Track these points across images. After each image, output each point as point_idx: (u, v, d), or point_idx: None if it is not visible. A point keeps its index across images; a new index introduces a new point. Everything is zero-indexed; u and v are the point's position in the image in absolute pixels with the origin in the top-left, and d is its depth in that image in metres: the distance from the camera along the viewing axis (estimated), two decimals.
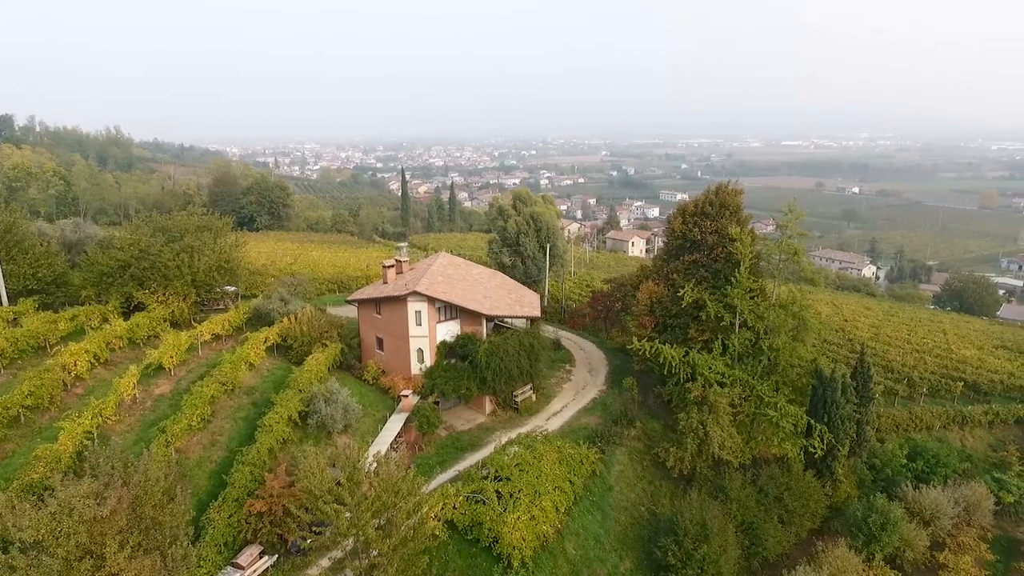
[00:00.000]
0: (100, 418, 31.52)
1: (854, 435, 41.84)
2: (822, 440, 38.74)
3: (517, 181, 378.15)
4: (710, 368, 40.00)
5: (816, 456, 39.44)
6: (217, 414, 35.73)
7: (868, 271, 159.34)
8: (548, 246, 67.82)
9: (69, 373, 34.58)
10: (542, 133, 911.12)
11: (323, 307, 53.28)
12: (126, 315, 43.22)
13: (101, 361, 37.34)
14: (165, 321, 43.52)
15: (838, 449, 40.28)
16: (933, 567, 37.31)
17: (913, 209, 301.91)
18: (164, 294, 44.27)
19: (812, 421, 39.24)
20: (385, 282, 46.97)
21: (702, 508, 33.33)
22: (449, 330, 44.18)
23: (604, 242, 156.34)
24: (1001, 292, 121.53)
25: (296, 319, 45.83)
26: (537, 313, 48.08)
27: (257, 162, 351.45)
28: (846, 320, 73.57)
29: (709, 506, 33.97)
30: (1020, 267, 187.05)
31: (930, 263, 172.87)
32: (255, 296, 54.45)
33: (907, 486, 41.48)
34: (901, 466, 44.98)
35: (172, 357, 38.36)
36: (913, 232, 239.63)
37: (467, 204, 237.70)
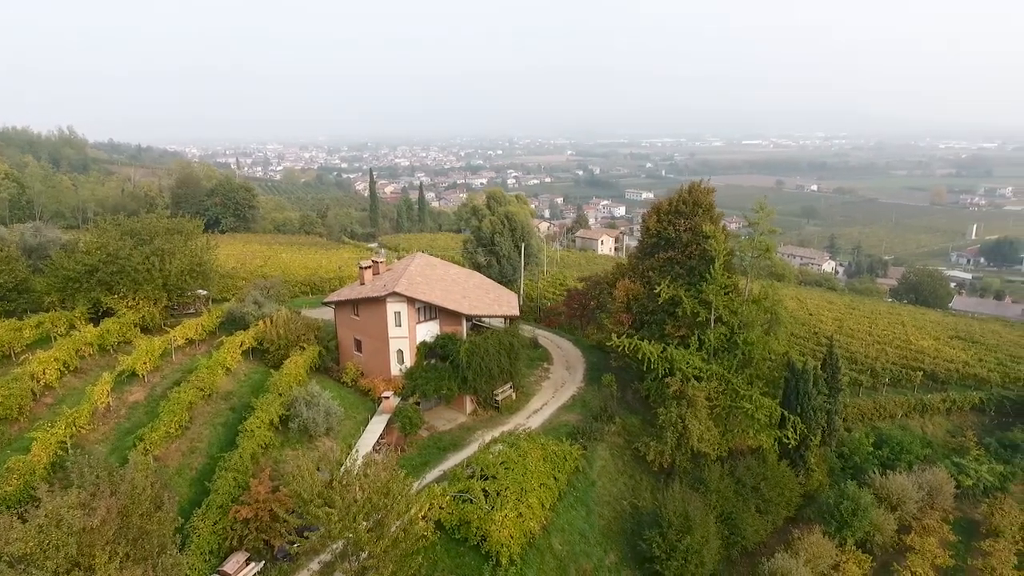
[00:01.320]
0: (74, 427, 30.60)
1: (825, 425, 43.30)
2: (795, 431, 39.99)
3: (484, 181, 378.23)
4: (688, 363, 40.88)
5: (790, 446, 40.70)
6: (195, 420, 35.03)
7: (828, 266, 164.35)
8: (523, 245, 68.20)
9: (38, 382, 33.45)
10: (507, 133, 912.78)
11: (298, 310, 52.59)
12: (94, 321, 41.95)
13: (71, 369, 36.22)
14: (136, 326, 42.39)
15: (811, 439, 41.63)
16: (901, 549, 38.88)
17: (868, 206, 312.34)
18: (134, 299, 43.09)
19: (785, 412, 40.47)
20: (362, 283, 46.64)
21: (684, 500, 34.11)
22: (428, 330, 44.13)
23: (574, 241, 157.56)
24: (952, 285, 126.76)
25: (272, 322, 45.17)
26: (516, 312, 48.38)
27: (218, 163, 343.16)
28: (810, 314, 75.86)
29: (691, 498, 34.79)
30: (968, 261, 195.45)
31: (886, 258, 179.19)
32: (226, 300, 53.41)
33: (874, 473, 43.13)
34: (868, 454, 46.74)
35: (146, 363, 37.44)
36: (869, 228, 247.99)
37: (435, 204, 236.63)
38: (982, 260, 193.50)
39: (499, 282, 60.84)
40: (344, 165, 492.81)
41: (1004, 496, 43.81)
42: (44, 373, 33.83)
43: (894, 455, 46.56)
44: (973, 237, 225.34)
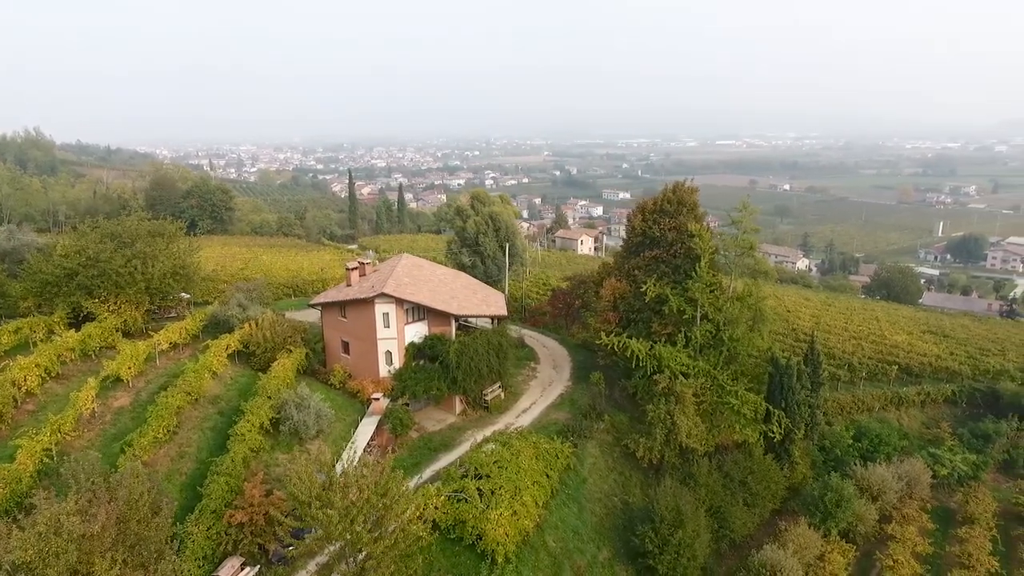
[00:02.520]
0: (59, 434, 30.00)
1: (808, 419, 44.29)
2: (780, 425, 40.87)
3: (462, 182, 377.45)
4: (675, 360, 41.50)
5: (775, 440, 41.56)
6: (183, 425, 34.54)
7: (802, 264, 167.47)
8: (507, 245, 68.41)
9: (19, 389, 32.68)
10: (484, 133, 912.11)
11: (282, 312, 52.09)
12: (73, 326, 41.07)
13: (53, 375, 35.44)
14: (117, 331, 41.63)
15: (795, 433, 42.57)
16: (882, 538, 39.97)
17: (839, 205, 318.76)
18: (115, 303, 42.31)
19: (770, 407, 41.32)
20: (349, 285, 46.40)
21: (675, 495, 34.64)
22: (417, 331, 44.08)
23: (553, 241, 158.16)
24: (922, 281, 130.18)
25: (258, 325, 44.70)
26: (504, 312, 48.57)
27: (191, 164, 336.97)
28: (788, 311, 77.34)
29: (681, 493, 35.34)
30: (936, 257, 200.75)
31: (857, 255, 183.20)
32: (208, 303, 52.65)
33: (855, 465, 44.24)
34: (848, 446, 47.93)
35: (131, 368, 36.81)
36: (841, 226, 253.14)
37: (413, 205, 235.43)
38: (948, 257, 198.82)
39: (484, 282, 60.98)
40: (320, 166, 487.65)
41: (978, 484, 45.32)
42: (25, 379, 33.07)
43: (873, 447, 47.80)
44: (940, 234, 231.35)
